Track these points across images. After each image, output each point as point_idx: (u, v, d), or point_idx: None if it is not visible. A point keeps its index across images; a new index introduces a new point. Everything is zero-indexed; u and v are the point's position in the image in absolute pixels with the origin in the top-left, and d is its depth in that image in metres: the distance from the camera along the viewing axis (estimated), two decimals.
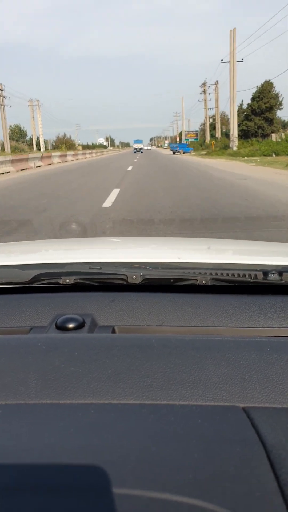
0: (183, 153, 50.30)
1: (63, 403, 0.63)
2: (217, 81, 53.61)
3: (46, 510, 0.45)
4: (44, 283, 1.17)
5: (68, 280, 1.16)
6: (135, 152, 68.89)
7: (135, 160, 32.60)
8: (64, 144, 62.18)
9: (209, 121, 56.03)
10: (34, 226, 5.86)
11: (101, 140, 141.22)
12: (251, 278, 1.13)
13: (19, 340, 0.83)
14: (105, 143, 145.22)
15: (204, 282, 1.13)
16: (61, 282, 1.16)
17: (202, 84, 56.25)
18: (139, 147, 78.01)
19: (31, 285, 1.17)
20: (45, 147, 60.64)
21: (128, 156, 48.40)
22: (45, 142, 62.97)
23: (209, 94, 55.08)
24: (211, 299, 1.08)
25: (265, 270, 1.13)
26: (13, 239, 4.69)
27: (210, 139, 49.91)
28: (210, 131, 54.68)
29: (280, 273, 1.13)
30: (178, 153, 51.03)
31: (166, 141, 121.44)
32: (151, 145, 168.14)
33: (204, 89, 55.77)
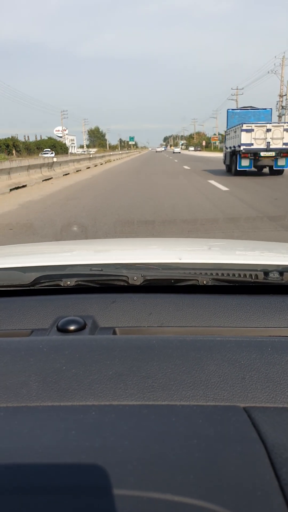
0: None
1: (64, 405, 0.63)
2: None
3: (48, 511, 0.45)
4: (45, 285, 1.17)
5: (69, 282, 1.17)
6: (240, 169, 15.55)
7: None
8: None
9: None
10: None
11: (59, 136, 71.69)
12: (251, 278, 1.13)
13: (20, 342, 0.83)
14: (73, 145, 78.19)
15: (204, 282, 1.13)
16: (62, 284, 1.17)
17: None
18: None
19: (33, 288, 1.17)
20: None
21: None
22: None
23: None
24: (212, 300, 1.08)
25: (266, 270, 1.14)
26: None
27: None
28: None
29: (281, 273, 1.13)
30: None
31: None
32: (165, 146, 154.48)
33: None
